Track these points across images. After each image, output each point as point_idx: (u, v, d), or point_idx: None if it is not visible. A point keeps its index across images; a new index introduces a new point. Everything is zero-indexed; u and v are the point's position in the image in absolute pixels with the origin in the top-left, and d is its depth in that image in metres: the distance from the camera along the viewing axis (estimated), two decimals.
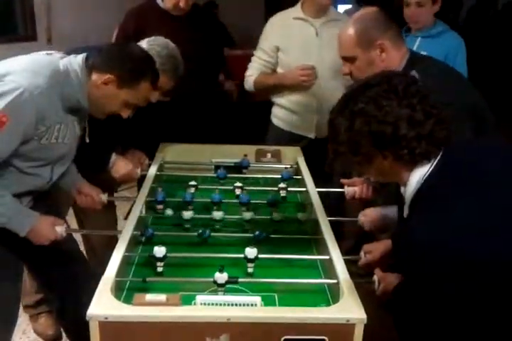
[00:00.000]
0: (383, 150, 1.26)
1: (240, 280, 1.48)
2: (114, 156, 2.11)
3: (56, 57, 1.68)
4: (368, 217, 1.89)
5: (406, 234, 1.24)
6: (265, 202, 1.98)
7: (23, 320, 2.47)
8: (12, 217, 1.61)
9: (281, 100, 2.70)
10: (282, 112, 2.73)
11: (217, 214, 1.86)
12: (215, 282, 1.44)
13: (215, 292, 1.45)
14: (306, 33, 2.56)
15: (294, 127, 2.71)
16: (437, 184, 1.25)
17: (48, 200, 1.89)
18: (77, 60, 1.67)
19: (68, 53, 1.73)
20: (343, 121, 1.28)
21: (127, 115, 1.76)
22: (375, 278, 1.53)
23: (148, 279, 1.48)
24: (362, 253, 1.72)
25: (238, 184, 2.08)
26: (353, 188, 2.04)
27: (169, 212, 1.88)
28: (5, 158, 1.57)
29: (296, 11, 2.60)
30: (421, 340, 1.37)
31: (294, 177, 2.31)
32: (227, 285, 1.44)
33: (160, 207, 1.94)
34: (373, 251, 1.70)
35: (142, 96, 1.72)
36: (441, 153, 1.28)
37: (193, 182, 2.09)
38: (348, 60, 1.80)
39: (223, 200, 1.96)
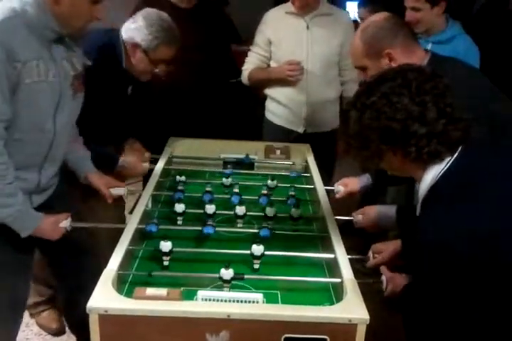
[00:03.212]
0: (392, 147, 1.24)
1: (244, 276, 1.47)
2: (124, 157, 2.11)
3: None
4: (366, 215, 1.86)
5: (418, 234, 1.22)
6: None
7: (26, 313, 2.46)
8: (17, 218, 1.60)
9: (273, 93, 2.75)
10: (274, 105, 2.77)
11: (210, 208, 1.82)
12: (220, 278, 1.42)
13: (219, 287, 1.44)
14: (297, 26, 2.60)
15: (284, 121, 2.75)
16: (452, 184, 1.22)
17: (63, 199, 1.88)
18: None
19: None
20: (354, 113, 1.27)
21: (103, 14, 1.62)
22: (383, 278, 1.51)
23: (153, 273, 1.47)
24: (370, 253, 1.69)
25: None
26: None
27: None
28: (10, 112, 1.51)
29: (288, 5, 2.65)
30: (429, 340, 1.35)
31: (303, 174, 2.30)
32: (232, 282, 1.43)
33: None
34: (383, 251, 1.67)
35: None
36: (458, 153, 1.24)
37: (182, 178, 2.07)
38: (360, 69, 1.80)
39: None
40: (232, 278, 1.43)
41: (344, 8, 4.77)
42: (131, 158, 2.11)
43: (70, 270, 1.94)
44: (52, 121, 1.66)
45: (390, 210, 1.83)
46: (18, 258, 1.80)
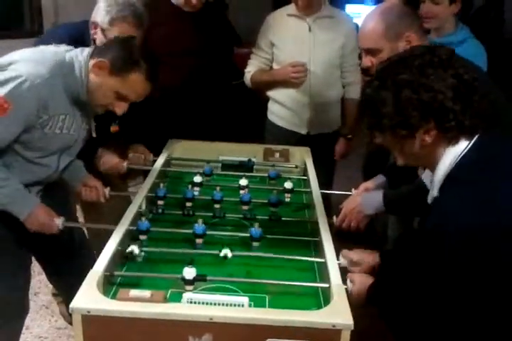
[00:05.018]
0: (430, 121, 1.21)
1: (230, 279, 1.48)
2: (100, 149, 2.12)
3: (63, 49, 1.71)
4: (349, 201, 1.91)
5: (440, 217, 1.18)
6: (266, 201, 1.96)
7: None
8: (14, 198, 1.65)
9: (276, 95, 2.74)
10: (277, 107, 2.76)
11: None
12: (183, 279, 1.40)
13: (196, 290, 1.43)
14: (299, 28, 2.59)
15: (287, 123, 2.74)
16: (477, 163, 1.21)
17: (56, 199, 1.91)
18: (83, 54, 1.70)
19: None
20: (387, 93, 1.23)
21: (121, 111, 1.74)
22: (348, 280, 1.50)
23: (116, 273, 1.46)
24: (342, 260, 1.62)
25: (243, 182, 2.06)
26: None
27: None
28: (8, 142, 1.62)
29: (290, 7, 2.63)
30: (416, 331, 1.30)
31: (301, 177, 2.28)
32: (215, 284, 1.42)
33: (160, 202, 1.93)
34: (362, 263, 1.62)
35: (133, 90, 1.69)
36: (477, 136, 1.24)
37: (198, 179, 2.07)
38: (371, 52, 1.77)
39: (224, 198, 1.94)
40: (195, 279, 1.40)
41: (344, 10, 4.80)
42: (107, 154, 2.13)
43: (66, 272, 1.96)
44: (56, 160, 1.79)
45: (374, 194, 1.85)
46: (18, 257, 1.82)
